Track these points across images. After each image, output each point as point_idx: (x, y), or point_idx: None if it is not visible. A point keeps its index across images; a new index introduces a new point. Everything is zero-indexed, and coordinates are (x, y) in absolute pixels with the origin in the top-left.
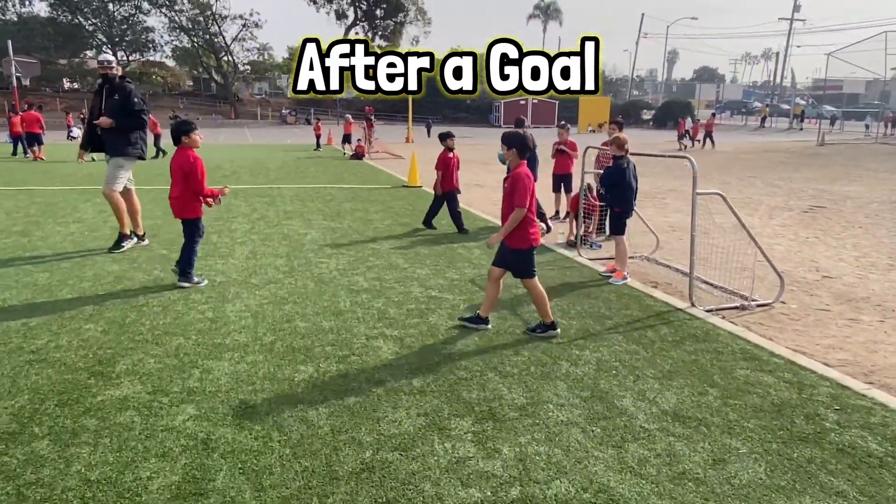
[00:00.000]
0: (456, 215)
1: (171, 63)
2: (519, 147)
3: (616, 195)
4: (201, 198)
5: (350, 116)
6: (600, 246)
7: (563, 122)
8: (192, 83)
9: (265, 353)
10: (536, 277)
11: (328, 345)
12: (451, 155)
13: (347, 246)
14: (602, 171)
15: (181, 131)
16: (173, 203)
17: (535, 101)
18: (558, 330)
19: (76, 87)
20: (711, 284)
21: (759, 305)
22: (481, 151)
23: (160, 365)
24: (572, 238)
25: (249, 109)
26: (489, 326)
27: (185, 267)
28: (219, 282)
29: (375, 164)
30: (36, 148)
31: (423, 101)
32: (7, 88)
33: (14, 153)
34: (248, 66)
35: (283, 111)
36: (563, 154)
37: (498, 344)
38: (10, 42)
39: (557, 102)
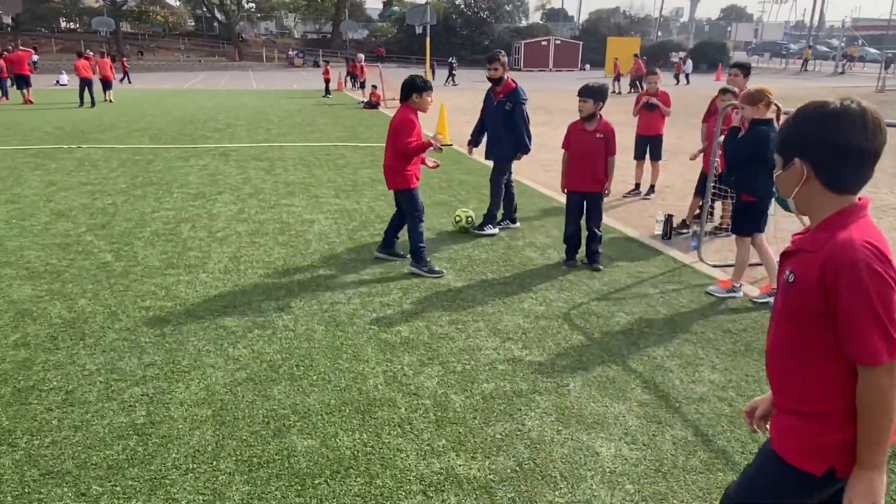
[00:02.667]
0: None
1: (172, 1)
2: None
3: (750, 176)
4: (413, 161)
5: (362, 56)
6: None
7: (653, 68)
8: (193, 23)
9: None
10: None
11: None
12: (586, 126)
13: (371, 245)
14: (725, 139)
15: (416, 88)
16: (385, 171)
17: (558, 41)
18: None
19: (73, 26)
20: None
21: None
22: None
23: None
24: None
25: (254, 51)
26: None
27: (414, 249)
28: (173, 324)
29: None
30: (25, 91)
31: (438, 43)
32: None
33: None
34: (252, 4)
35: (290, 53)
36: (653, 109)
37: (675, 473)
38: None
39: (581, 44)
